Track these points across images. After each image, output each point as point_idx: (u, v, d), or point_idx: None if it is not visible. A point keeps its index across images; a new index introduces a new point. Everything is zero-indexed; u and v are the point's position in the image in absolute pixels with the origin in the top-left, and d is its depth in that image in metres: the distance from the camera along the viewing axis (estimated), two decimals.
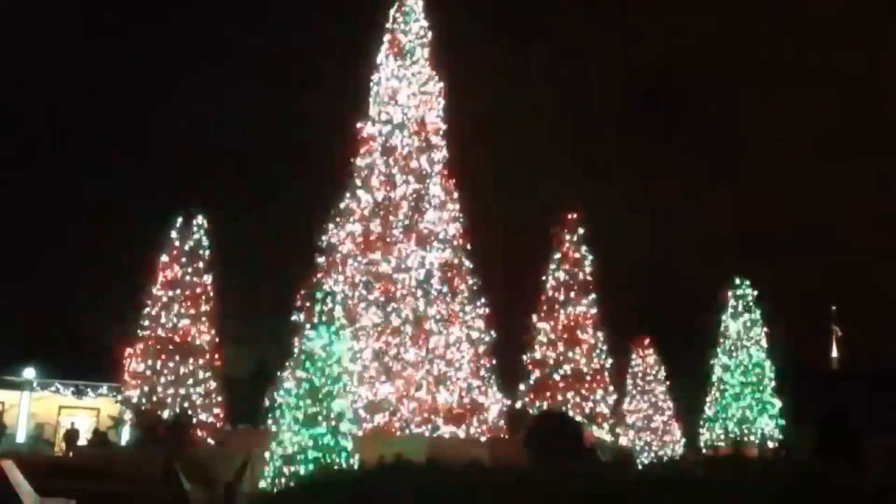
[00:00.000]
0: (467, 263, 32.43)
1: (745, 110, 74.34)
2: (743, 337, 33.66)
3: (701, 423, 34.13)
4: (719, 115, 74.00)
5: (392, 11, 34.38)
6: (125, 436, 30.66)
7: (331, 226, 32.26)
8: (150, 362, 23.46)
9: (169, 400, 23.17)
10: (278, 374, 31.84)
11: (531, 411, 26.06)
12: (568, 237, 29.85)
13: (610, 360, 29.52)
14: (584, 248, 28.12)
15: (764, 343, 33.57)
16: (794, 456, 25.43)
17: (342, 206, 32.41)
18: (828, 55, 73.16)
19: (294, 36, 71.81)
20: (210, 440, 23.89)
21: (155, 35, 66.08)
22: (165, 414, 23.18)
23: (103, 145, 47.07)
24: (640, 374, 34.22)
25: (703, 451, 32.63)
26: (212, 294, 24.57)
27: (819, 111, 70.13)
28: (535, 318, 29.60)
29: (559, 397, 27.19)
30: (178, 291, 23.87)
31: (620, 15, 73.44)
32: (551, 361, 26.66)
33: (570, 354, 27.31)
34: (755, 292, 33.95)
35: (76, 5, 63.37)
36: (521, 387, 28.95)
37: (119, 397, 24.46)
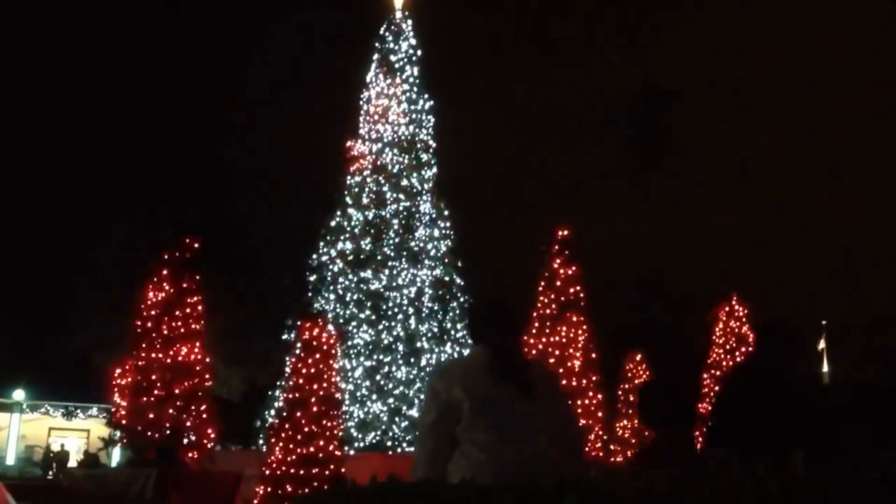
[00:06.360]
0: (459, 281, 32.46)
1: (737, 125, 74.58)
2: (731, 350, 33.66)
3: None
4: (711, 132, 74.33)
5: (381, 30, 34.56)
6: (115, 457, 30.45)
7: (321, 244, 32.29)
8: (140, 383, 23.26)
9: (159, 421, 22.97)
10: (269, 393, 31.76)
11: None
12: (557, 254, 29.76)
13: (602, 375, 29.39)
14: (574, 265, 28.02)
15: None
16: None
17: (332, 224, 32.42)
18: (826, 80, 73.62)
19: (282, 54, 71.88)
20: (201, 461, 23.67)
21: (146, 56, 66.12)
22: (156, 435, 22.95)
23: (87, 162, 46.83)
24: (631, 390, 34.19)
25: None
26: (202, 313, 24.40)
27: (817, 127, 70.38)
28: (526, 335, 29.58)
29: None
30: (169, 311, 23.68)
31: (619, 35, 73.82)
32: None
33: (562, 371, 27.16)
34: (744, 310, 33.99)
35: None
36: None
37: (109, 418, 24.25)
